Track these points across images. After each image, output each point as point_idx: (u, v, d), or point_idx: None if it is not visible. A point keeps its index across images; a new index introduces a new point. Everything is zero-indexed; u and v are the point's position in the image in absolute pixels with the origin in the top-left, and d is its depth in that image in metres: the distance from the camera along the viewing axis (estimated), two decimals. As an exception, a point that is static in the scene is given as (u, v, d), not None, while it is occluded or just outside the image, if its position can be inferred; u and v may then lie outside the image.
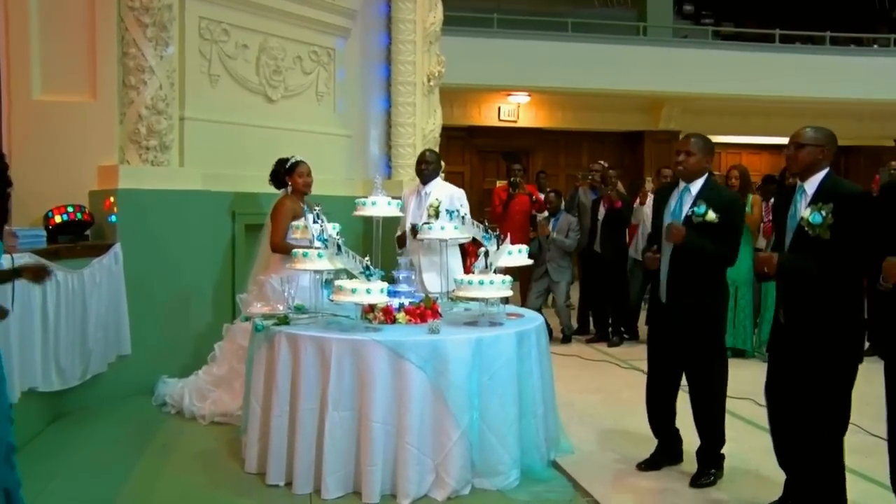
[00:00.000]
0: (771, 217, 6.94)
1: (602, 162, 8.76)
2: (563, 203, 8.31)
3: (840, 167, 4.21)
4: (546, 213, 8.33)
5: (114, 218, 5.28)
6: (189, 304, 5.69)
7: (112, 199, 5.27)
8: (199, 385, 5.06)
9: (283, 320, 3.99)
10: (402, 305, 4.18)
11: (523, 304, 7.65)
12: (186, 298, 5.66)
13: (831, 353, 3.28)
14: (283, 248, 4.91)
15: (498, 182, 12.52)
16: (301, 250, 4.05)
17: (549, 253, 7.84)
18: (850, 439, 3.39)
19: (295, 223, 4.75)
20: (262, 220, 5.30)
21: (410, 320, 4.06)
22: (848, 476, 3.41)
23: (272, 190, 5.33)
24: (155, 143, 5.37)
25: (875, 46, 15.10)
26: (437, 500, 3.66)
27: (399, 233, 5.72)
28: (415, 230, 5.29)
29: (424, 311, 4.15)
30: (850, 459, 3.44)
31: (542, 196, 8.84)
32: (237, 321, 5.17)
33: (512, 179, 8.40)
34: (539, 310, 7.94)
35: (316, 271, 4.15)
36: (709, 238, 3.83)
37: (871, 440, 4.15)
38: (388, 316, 4.04)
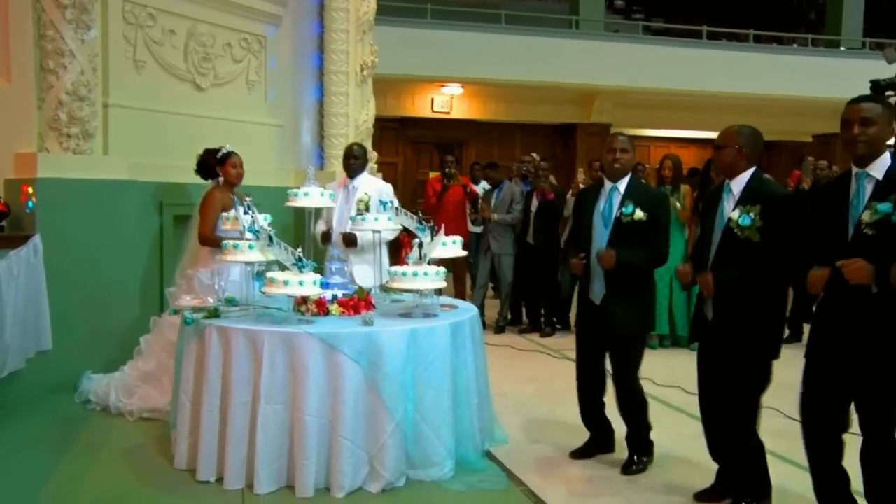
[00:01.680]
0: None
1: (534, 154, 8.83)
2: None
3: (763, 162, 4.42)
4: (488, 187, 8.39)
5: (32, 207, 5.07)
6: (114, 297, 5.50)
7: (30, 187, 5.06)
8: (126, 381, 4.91)
9: (214, 313, 3.90)
10: (335, 297, 4.13)
11: (461, 296, 7.68)
12: (111, 292, 5.47)
13: (753, 348, 3.38)
14: (212, 241, 4.80)
15: (431, 173, 12.53)
16: (232, 242, 3.97)
17: (490, 224, 7.91)
18: (771, 423, 3.51)
19: (225, 214, 4.65)
20: (192, 211, 5.18)
21: (344, 312, 4.02)
22: (771, 459, 3.53)
23: (202, 180, 5.20)
24: (77, 130, 5.17)
25: (794, 45, 15.62)
26: (371, 492, 3.63)
27: (324, 228, 5.64)
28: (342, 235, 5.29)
29: (358, 302, 4.12)
30: (772, 443, 3.55)
31: (475, 188, 8.87)
32: (165, 314, 5.03)
33: (447, 171, 8.40)
34: (485, 286, 8.07)
35: (247, 263, 4.07)
36: (640, 240, 3.89)
37: (791, 424, 4.27)
38: (321, 308, 3.99)
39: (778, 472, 3.62)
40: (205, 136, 5.59)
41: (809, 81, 13.57)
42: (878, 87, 5.19)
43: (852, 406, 3.03)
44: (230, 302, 4.13)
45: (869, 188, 2.95)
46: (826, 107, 13.60)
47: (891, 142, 3.06)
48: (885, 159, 2.96)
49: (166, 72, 6.15)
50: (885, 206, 2.86)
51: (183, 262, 5.15)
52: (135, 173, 5.57)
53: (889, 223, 2.85)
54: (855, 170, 3.01)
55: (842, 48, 15.45)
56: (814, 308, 3.25)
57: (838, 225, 3.00)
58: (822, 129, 15.31)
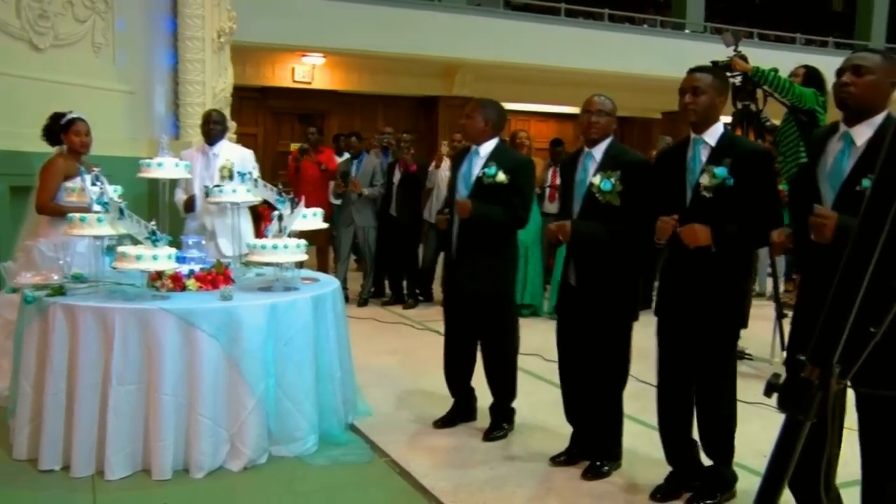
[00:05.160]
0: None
1: (389, 129, 8.83)
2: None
3: (616, 136, 4.68)
4: (348, 156, 8.30)
5: None
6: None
7: None
8: (-43, 365, 4.54)
9: (59, 290, 3.66)
10: (192, 272, 3.98)
11: (323, 269, 7.60)
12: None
13: (616, 311, 3.54)
14: (50, 210, 4.51)
15: (293, 145, 12.27)
16: (78, 214, 3.74)
17: (352, 197, 7.84)
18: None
19: (70, 185, 4.37)
20: (33, 182, 4.81)
21: (201, 287, 3.89)
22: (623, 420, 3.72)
23: (46, 148, 4.85)
24: None
25: (645, 26, 16.29)
26: (233, 471, 3.56)
27: (184, 196, 5.44)
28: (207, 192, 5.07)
29: (216, 277, 3.99)
30: (623, 404, 3.74)
31: (337, 160, 8.75)
32: (2, 293, 4.69)
33: (300, 146, 8.25)
34: (348, 259, 8.06)
35: (96, 237, 3.85)
36: (500, 202, 3.94)
37: (641, 385, 4.52)
38: (177, 283, 3.85)
39: (628, 433, 3.81)
40: (46, 101, 5.21)
41: (658, 60, 14.18)
42: (718, 68, 5.54)
43: None
44: (77, 278, 3.90)
45: (704, 154, 3.15)
46: (673, 85, 14.11)
47: (728, 119, 3.27)
48: (718, 127, 3.18)
49: (-4, 28, 5.67)
50: (721, 171, 3.07)
51: (22, 234, 4.79)
52: (-37, 140, 5.13)
53: (724, 186, 3.06)
54: (692, 136, 3.21)
55: (686, 31, 16.25)
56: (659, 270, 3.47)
57: (677, 188, 3.20)
58: (670, 107, 16.02)
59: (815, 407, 1.06)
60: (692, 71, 3.22)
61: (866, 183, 2.59)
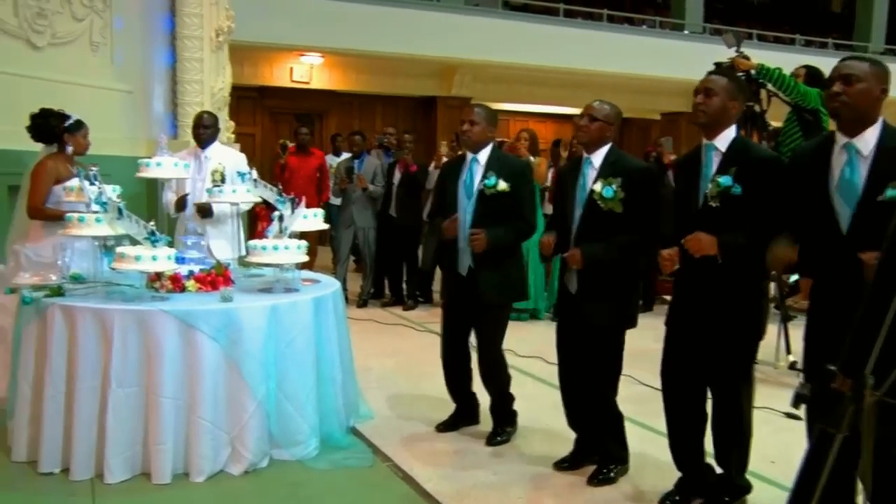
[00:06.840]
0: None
1: (391, 129, 8.79)
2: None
3: (617, 138, 4.59)
4: (349, 155, 8.25)
5: None
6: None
7: None
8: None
9: (57, 291, 3.62)
10: (191, 273, 3.94)
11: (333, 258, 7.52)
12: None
13: (614, 319, 3.48)
14: (41, 214, 4.43)
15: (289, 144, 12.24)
16: (76, 214, 3.70)
17: (353, 195, 7.80)
18: (628, 390, 3.65)
19: (69, 185, 4.31)
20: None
21: (201, 288, 3.85)
22: (628, 424, 3.68)
23: (36, 145, 4.79)
24: None
25: (644, 27, 16.26)
26: (233, 475, 3.52)
27: (174, 196, 5.34)
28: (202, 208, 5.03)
29: (216, 278, 3.95)
30: (629, 409, 3.71)
31: (331, 165, 8.69)
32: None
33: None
34: (348, 259, 8.02)
35: (94, 237, 3.81)
36: (505, 209, 3.89)
37: (645, 390, 4.50)
38: (177, 284, 3.81)
39: (635, 437, 3.78)
40: (44, 99, 5.13)
41: (657, 61, 14.16)
42: (721, 70, 5.52)
43: None
44: (76, 279, 3.86)
45: (716, 160, 3.08)
46: (672, 86, 14.29)
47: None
48: (730, 132, 3.09)
49: (-7, 27, 5.62)
50: (725, 179, 3.01)
51: (10, 237, 4.72)
52: (-42, 138, 5.07)
53: (730, 195, 3.00)
54: (704, 141, 3.14)
55: (685, 31, 16.23)
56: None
57: (691, 196, 3.14)
58: (669, 108, 16.08)
59: (847, 419, 1.03)
60: (709, 73, 3.17)
61: (891, 192, 2.53)
